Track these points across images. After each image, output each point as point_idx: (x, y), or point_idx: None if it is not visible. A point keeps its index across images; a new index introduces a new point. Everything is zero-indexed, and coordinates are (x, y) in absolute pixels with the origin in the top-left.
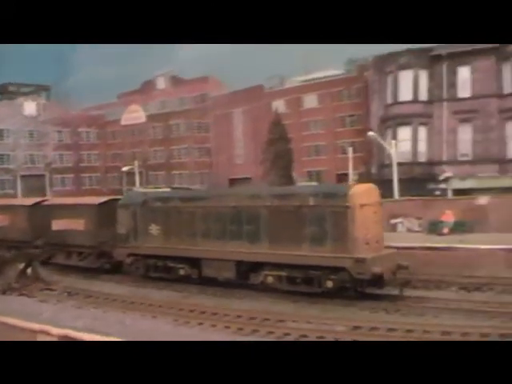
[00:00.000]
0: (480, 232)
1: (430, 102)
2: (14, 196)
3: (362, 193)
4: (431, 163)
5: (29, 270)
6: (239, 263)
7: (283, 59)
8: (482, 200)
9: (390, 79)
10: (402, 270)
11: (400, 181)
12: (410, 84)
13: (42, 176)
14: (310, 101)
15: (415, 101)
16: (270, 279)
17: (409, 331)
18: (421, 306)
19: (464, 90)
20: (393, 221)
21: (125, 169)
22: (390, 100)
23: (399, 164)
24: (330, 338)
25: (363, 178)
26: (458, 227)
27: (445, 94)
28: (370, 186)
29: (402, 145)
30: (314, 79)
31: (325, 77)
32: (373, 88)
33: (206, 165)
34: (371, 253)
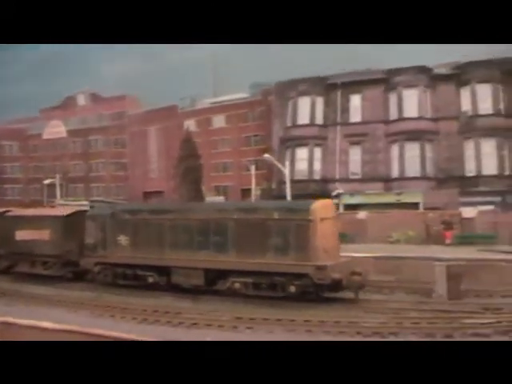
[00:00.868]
0: (359, 243)
1: (324, 125)
2: None
3: (322, 208)
4: (325, 180)
5: None
6: (207, 271)
7: (195, 82)
8: (361, 215)
9: (290, 104)
10: (355, 275)
11: (297, 196)
12: (307, 109)
13: None
14: (219, 121)
15: (312, 124)
16: (236, 285)
17: None
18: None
19: (355, 115)
20: None
21: (46, 181)
22: (289, 123)
23: (297, 181)
24: (215, 324)
25: (265, 194)
26: (341, 238)
27: (338, 119)
28: (328, 202)
29: (300, 164)
30: (222, 101)
31: (232, 99)
32: (275, 111)
33: (122, 178)
34: (330, 261)
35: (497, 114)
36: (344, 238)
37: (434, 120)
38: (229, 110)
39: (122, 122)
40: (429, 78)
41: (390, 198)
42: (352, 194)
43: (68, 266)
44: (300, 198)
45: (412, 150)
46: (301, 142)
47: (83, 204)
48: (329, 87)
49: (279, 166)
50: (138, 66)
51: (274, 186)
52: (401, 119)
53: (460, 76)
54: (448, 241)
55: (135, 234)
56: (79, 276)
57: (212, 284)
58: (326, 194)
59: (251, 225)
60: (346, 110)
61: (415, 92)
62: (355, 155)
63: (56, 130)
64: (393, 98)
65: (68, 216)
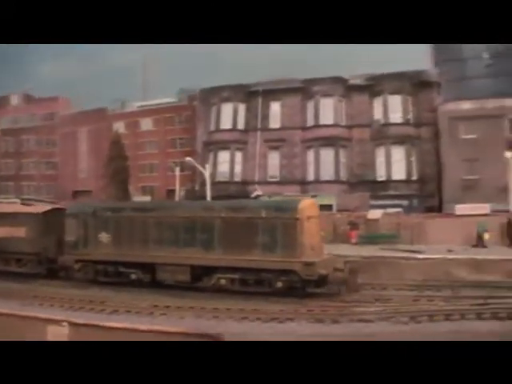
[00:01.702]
0: None
1: (245, 130)
2: None
3: (308, 207)
4: (245, 183)
5: None
6: (193, 267)
7: (129, 84)
8: None
9: (213, 109)
10: (338, 271)
11: (219, 197)
12: (230, 115)
13: None
14: (146, 124)
15: (233, 129)
16: (222, 281)
17: None
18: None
19: (275, 121)
20: None
21: None
22: (212, 127)
23: (219, 183)
24: (134, 311)
25: (189, 194)
26: None
27: (259, 125)
28: (313, 201)
29: (222, 166)
30: (150, 105)
31: (160, 103)
32: (199, 116)
33: (52, 178)
34: (317, 257)
35: (406, 123)
36: None
37: (349, 127)
38: (156, 113)
39: (53, 122)
40: (344, 87)
41: None
42: (270, 196)
43: (44, 264)
44: (221, 199)
45: (327, 155)
46: (223, 145)
47: (14, 202)
48: (250, 94)
49: (200, 168)
50: (74, 67)
51: (197, 187)
52: (317, 126)
53: (373, 87)
54: (353, 240)
55: (118, 231)
56: (54, 273)
57: (198, 280)
58: (245, 196)
59: (239, 223)
60: (266, 116)
61: (331, 101)
62: (274, 159)
63: None
64: (310, 106)
65: (45, 213)
